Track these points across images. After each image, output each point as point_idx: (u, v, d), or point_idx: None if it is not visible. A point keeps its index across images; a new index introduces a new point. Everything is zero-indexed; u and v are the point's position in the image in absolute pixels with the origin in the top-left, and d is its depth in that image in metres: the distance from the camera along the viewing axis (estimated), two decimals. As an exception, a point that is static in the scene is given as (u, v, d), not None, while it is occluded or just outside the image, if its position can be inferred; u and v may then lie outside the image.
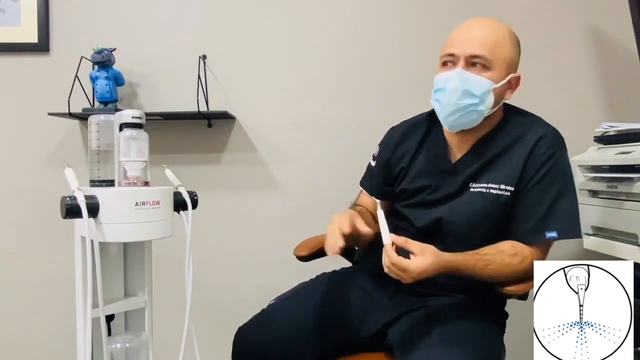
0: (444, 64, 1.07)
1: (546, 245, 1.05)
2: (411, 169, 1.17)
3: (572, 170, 1.34)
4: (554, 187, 1.03)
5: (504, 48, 1.04)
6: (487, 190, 1.05)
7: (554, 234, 1.02)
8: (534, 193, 1.04)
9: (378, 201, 1.00)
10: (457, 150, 1.12)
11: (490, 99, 1.04)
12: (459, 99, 1.03)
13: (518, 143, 1.06)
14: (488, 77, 1.03)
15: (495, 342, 1.03)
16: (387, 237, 0.93)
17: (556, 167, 1.04)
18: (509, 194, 1.04)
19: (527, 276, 1.01)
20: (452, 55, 1.04)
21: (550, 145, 1.04)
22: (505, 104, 1.12)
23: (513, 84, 1.08)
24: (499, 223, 1.06)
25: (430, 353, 0.93)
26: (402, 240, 0.92)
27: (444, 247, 1.00)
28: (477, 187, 1.07)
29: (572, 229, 1.03)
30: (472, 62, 1.03)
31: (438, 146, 1.15)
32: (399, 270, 0.91)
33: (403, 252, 0.92)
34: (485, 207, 1.05)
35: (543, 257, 1.05)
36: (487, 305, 1.08)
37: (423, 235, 1.08)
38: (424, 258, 0.91)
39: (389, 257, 0.90)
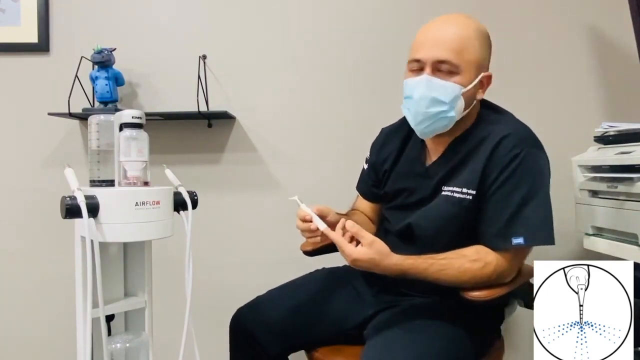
0: (411, 69, 1.04)
1: (515, 252, 0.99)
2: (393, 172, 1.18)
3: (573, 170, 1.35)
4: (521, 189, 0.97)
5: (471, 49, 1.00)
6: (452, 194, 1.03)
7: (520, 241, 0.96)
8: (498, 196, 0.99)
9: (295, 197, 1.02)
10: (433, 153, 1.12)
11: (461, 104, 1.01)
12: (427, 108, 1.01)
13: (482, 144, 1.02)
14: (456, 81, 0.99)
15: (459, 342, 1.00)
16: (321, 225, 0.98)
17: (522, 169, 0.98)
18: (470, 197, 1.01)
19: (492, 283, 0.98)
20: (418, 60, 1.02)
21: (514, 145, 0.98)
22: (482, 101, 1.10)
23: (485, 83, 1.05)
24: (465, 227, 1.03)
25: (385, 341, 0.96)
26: (355, 229, 0.92)
27: (416, 250, 1.00)
28: (446, 191, 1.05)
29: (541, 235, 0.97)
30: (439, 68, 1.00)
31: (415, 149, 1.15)
32: (339, 249, 0.93)
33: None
34: (450, 210, 1.03)
35: (512, 264, 1.00)
36: (469, 308, 1.02)
37: (401, 237, 1.11)
38: (367, 251, 0.91)
39: (331, 238, 0.94)
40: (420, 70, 1.02)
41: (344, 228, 0.94)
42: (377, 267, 0.93)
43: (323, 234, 0.97)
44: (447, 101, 1.00)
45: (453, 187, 1.04)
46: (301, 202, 1.02)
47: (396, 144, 1.18)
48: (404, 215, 1.12)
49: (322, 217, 1.00)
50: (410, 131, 1.16)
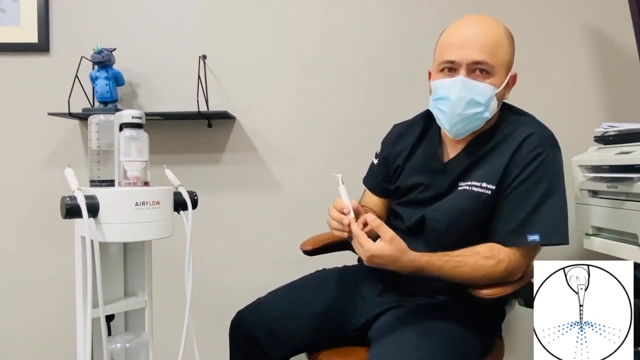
0: (442, 69, 1.04)
1: (527, 249, 1.00)
2: (406, 167, 1.17)
3: (573, 170, 1.36)
4: (540, 188, 0.99)
5: (502, 50, 1.01)
6: (470, 188, 1.04)
7: (535, 238, 0.97)
8: (517, 194, 1.00)
9: (339, 175, 0.98)
10: (452, 150, 1.12)
11: (494, 104, 1.02)
12: (465, 109, 1.01)
13: (505, 142, 1.04)
14: (491, 82, 1.00)
15: (466, 343, 1.01)
16: (352, 213, 0.96)
17: (542, 168, 0.99)
18: (489, 192, 1.01)
19: (503, 280, 0.99)
20: (452, 62, 1.01)
21: (537, 145, 1.00)
22: (502, 103, 1.11)
23: (510, 83, 1.06)
24: (479, 222, 1.03)
25: (392, 343, 0.95)
26: (376, 223, 0.92)
27: (425, 244, 1.01)
28: (463, 185, 1.06)
29: (556, 233, 0.98)
30: (476, 69, 1.00)
31: (433, 145, 1.15)
32: (357, 244, 0.93)
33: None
34: (466, 204, 1.03)
35: (524, 261, 1.00)
36: (474, 308, 1.04)
37: (411, 233, 1.11)
38: (387, 247, 0.90)
39: (352, 229, 0.94)
40: (453, 71, 1.02)
41: (365, 223, 0.94)
42: (394, 264, 0.93)
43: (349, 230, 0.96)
44: (483, 102, 1.00)
45: (472, 181, 1.04)
46: (342, 182, 0.99)
47: (410, 140, 1.18)
48: (417, 210, 1.11)
49: (356, 214, 0.99)
50: (426, 128, 1.16)
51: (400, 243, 0.92)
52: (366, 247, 0.91)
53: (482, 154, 1.06)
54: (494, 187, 1.01)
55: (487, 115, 1.02)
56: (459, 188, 1.06)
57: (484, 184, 1.02)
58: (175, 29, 1.71)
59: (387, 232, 0.91)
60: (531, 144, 1.01)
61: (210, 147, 1.73)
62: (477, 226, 1.04)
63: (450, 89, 1.02)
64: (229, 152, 1.73)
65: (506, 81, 1.03)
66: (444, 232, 1.06)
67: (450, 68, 1.02)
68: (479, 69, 1.00)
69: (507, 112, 1.10)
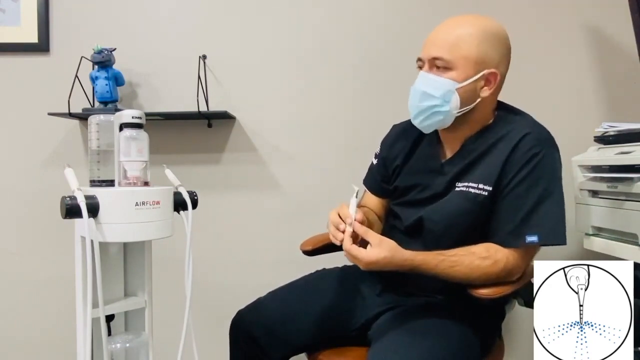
0: (418, 66, 1.08)
1: (526, 250, 1.00)
2: (405, 168, 1.18)
3: (573, 170, 1.36)
4: (537, 188, 0.99)
5: (467, 46, 1.00)
6: (467, 189, 1.04)
7: (534, 238, 0.97)
8: (514, 194, 1.00)
9: (357, 189, 1.00)
10: (449, 150, 1.12)
11: (456, 99, 1.02)
12: (420, 101, 1.04)
13: (501, 142, 1.03)
14: (450, 77, 1.01)
15: (466, 342, 1.01)
16: (352, 226, 0.97)
17: (540, 168, 0.99)
18: (486, 193, 1.01)
19: (501, 280, 0.99)
20: (419, 59, 1.07)
21: (533, 145, 1.00)
22: (499, 103, 1.11)
23: (492, 81, 1.03)
24: (477, 223, 1.03)
25: (391, 342, 0.96)
26: (362, 230, 0.95)
27: (423, 244, 1.02)
28: (460, 186, 1.06)
29: (555, 234, 0.98)
30: (436, 65, 1.02)
31: (431, 146, 1.15)
32: (351, 257, 0.95)
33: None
34: (463, 206, 1.03)
35: (523, 262, 1.01)
36: (474, 308, 1.04)
37: (409, 233, 1.12)
38: (378, 250, 0.93)
39: (344, 243, 0.95)
40: (422, 67, 1.06)
41: (355, 235, 0.96)
42: (389, 265, 0.94)
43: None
44: (437, 95, 1.02)
45: (468, 182, 1.04)
46: (357, 196, 1.01)
47: (409, 140, 1.19)
48: (415, 210, 1.12)
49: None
50: None
51: (390, 243, 0.94)
52: (360, 257, 0.93)
53: (479, 154, 1.06)
54: (490, 189, 1.01)
55: (447, 109, 1.02)
56: (456, 189, 1.06)
57: (480, 185, 1.02)
58: (175, 29, 1.71)
59: (374, 236, 0.94)
60: (527, 144, 1.00)
61: (210, 147, 1.73)
62: (475, 227, 1.04)
63: (414, 84, 1.07)
64: (229, 152, 1.73)
65: (476, 77, 1.01)
66: (441, 232, 1.06)
67: (421, 65, 1.07)
68: (437, 64, 1.02)
69: (503, 112, 1.10)
